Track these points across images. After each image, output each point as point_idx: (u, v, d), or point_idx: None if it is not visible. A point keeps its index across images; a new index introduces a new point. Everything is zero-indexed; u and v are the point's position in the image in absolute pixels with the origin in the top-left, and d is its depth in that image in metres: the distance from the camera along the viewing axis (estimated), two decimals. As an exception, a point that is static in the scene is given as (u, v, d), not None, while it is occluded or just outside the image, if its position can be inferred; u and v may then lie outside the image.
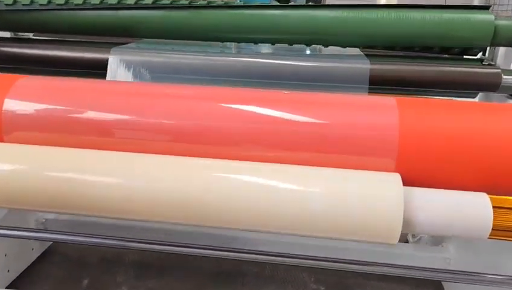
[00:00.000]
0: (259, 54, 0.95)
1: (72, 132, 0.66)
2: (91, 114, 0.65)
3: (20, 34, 1.07)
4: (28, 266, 1.26)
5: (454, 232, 0.52)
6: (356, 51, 0.95)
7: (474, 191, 0.55)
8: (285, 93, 0.68)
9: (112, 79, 0.87)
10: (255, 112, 0.61)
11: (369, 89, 0.83)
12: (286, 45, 0.93)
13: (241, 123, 0.61)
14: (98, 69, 0.88)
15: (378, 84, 0.85)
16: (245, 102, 0.63)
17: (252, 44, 0.96)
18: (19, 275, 1.23)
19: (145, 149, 0.63)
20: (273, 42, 0.94)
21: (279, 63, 0.89)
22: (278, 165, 0.56)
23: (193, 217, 0.56)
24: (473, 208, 0.52)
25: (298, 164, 0.57)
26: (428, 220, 0.52)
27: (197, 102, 0.65)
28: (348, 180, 0.53)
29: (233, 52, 1.00)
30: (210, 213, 0.54)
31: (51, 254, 1.32)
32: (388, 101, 0.60)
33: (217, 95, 0.66)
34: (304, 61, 0.89)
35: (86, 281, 1.23)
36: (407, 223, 0.52)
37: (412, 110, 0.59)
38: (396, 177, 0.54)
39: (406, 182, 0.55)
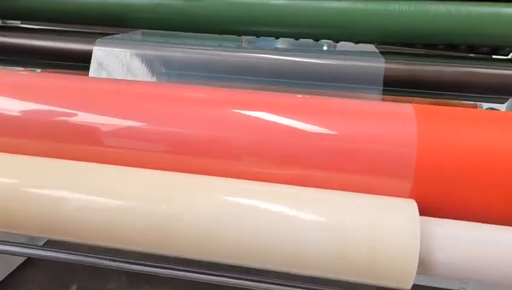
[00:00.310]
0: (263, 50, 0.86)
1: (48, 137, 0.56)
2: (72, 116, 0.56)
3: (9, 22, 1.00)
4: (12, 271, 1.19)
5: (484, 278, 0.42)
6: (370, 47, 0.85)
7: None
8: (298, 98, 0.58)
9: (95, 73, 0.78)
10: (259, 120, 0.52)
11: (384, 90, 0.73)
12: (304, 40, 0.84)
13: (241, 133, 0.51)
14: (81, 62, 0.80)
15: (394, 86, 0.75)
16: (249, 107, 0.53)
17: (256, 38, 0.87)
18: (2, 280, 1.16)
19: (131, 161, 0.53)
20: (276, 36, 0.85)
21: (281, 60, 0.79)
22: (268, 185, 0.47)
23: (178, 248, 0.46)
24: (510, 248, 0.42)
25: (292, 182, 0.47)
26: (451, 261, 0.42)
27: (194, 105, 0.55)
28: (349, 207, 0.43)
29: (239, 46, 0.90)
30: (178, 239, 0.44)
31: (37, 258, 1.25)
32: (404, 109, 0.50)
33: (217, 98, 0.57)
34: (310, 58, 0.80)
35: (74, 288, 1.17)
36: (423, 264, 0.41)
37: (433, 120, 0.48)
38: (412, 205, 0.44)
39: (424, 211, 0.44)
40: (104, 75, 0.80)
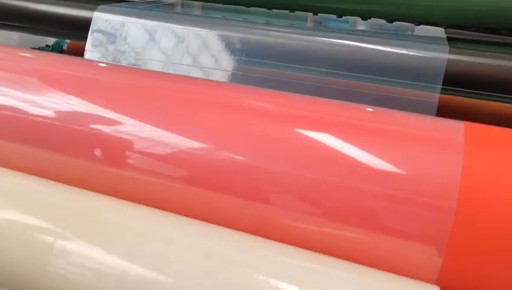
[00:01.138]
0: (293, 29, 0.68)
1: (40, 145, 0.42)
2: (76, 120, 0.40)
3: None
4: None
5: None
6: (439, 32, 0.66)
7: None
8: (369, 112, 0.40)
9: (94, 48, 0.67)
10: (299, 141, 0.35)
11: (442, 90, 0.55)
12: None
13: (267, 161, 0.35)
14: (81, 32, 0.69)
15: (457, 85, 0.56)
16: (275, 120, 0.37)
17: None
18: None
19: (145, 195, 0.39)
20: (314, 11, 0.69)
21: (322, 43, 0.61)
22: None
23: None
24: None
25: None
26: None
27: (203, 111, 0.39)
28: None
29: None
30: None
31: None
32: (448, 130, 0.32)
33: (239, 103, 0.40)
34: (358, 41, 0.61)
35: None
36: None
37: (493, 151, 0.31)
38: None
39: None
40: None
